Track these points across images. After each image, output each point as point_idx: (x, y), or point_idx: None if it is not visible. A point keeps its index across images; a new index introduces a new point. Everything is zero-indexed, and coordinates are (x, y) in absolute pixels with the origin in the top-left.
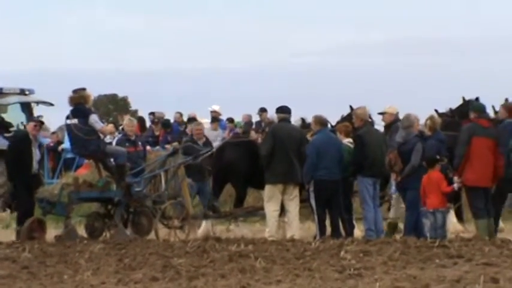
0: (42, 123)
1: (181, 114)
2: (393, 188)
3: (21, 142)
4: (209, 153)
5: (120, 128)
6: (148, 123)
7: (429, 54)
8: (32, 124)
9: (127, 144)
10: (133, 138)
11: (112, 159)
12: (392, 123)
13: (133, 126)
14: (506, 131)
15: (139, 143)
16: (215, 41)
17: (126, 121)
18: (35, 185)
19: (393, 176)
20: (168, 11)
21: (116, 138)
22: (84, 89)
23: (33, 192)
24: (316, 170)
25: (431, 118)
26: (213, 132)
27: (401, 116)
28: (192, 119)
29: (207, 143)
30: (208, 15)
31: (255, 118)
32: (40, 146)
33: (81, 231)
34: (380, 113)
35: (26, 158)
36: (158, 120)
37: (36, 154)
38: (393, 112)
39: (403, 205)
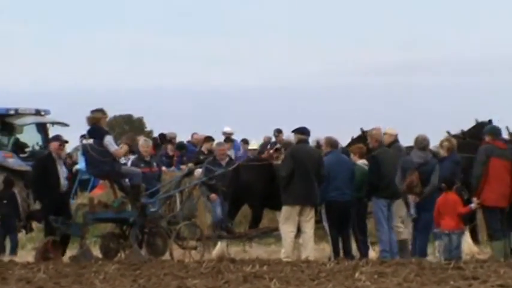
0: (66, 142)
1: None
2: (412, 209)
3: (46, 161)
4: (223, 172)
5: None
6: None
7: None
8: (56, 143)
9: (142, 164)
10: (148, 159)
11: (127, 180)
12: (392, 143)
13: (149, 147)
14: None
15: (155, 164)
16: (233, 58)
17: (142, 142)
18: (65, 203)
19: (412, 198)
20: (179, 29)
21: (131, 159)
22: (101, 110)
23: (65, 210)
24: (327, 191)
25: (448, 139)
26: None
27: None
28: (208, 138)
29: (230, 163)
30: (224, 34)
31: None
32: None
33: (96, 251)
34: None
35: (52, 177)
36: (171, 140)
37: (63, 171)
38: (393, 133)
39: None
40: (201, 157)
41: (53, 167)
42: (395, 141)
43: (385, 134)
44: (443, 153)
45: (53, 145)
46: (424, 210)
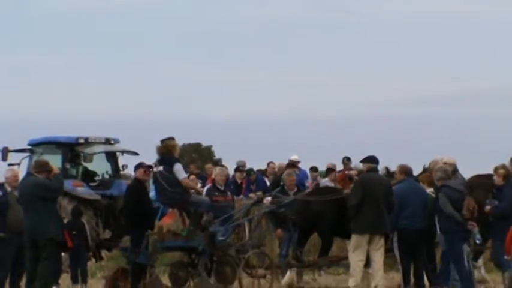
0: (151, 167)
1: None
2: (477, 236)
3: (138, 188)
4: (292, 201)
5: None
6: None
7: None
8: (142, 170)
9: (216, 193)
10: (222, 188)
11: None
12: (453, 173)
13: (225, 176)
14: None
15: (228, 193)
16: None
17: (218, 170)
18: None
19: (472, 225)
20: (243, 60)
21: (206, 188)
22: (172, 139)
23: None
24: (399, 219)
25: (504, 167)
26: None
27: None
28: (292, 165)
29: (299, 192)
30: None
31: (339, 167)
32: None
33: (166, 280)
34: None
35: (145, 203)
36: (239, 167)
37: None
38: (452, 162)
39: None
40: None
41: (145, 194)
42: (455, 170)
43: (444, 163)
44: (499, 180)
45: (139, 172)
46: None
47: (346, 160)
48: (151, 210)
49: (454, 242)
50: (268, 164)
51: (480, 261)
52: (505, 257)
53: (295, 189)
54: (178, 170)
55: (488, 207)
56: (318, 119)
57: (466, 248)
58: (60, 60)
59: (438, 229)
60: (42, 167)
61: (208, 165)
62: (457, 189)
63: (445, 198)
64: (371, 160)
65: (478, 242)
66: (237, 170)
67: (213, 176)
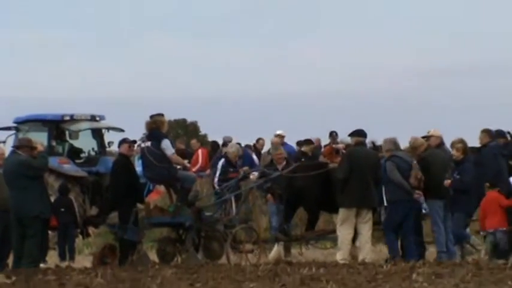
0: (134, 142)
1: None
2: (424, 205)
3: (124, 163)
4: (278, 175)
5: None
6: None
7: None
8: (126, 145)
9: (231, 169)
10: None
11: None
12: (439, 145)
13: (238, 153)
14: None
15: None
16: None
17: (232, 148)
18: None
19: (419, 194)
20: (231, 37)
21: (220, 164)
22: (161, 115)
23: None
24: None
25: (461, 141)
26: None
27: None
28: (308, 141)
29: (287, 167)
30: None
31: (325, 142)
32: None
33: (153, 256)
34: (424, 137)
35: (133, 177)
36: (226, 143)
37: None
38: (438, 135)
39: None
40: (303, 159)
41: (132, 168)
42: (442, 143)
43: (431, 136)
44: (458, 155)
45: (124, 147)
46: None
47: (332, 134)
48: (140, 184)
49: (401, 212)
50: (258, 140)
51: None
52: (481, 232)
53: (284, 163)
54: (166, 146)
55: (448, 181)
56: (305, 93)
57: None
58: (44, 38)
59: (385, 200)
60: (25, 145)
61: (193, 141)
62: (405, 160)
63: (393, 167)
64: (359, 134)
65: (424, 211)
66: (224, 145)
67: (225, 153)
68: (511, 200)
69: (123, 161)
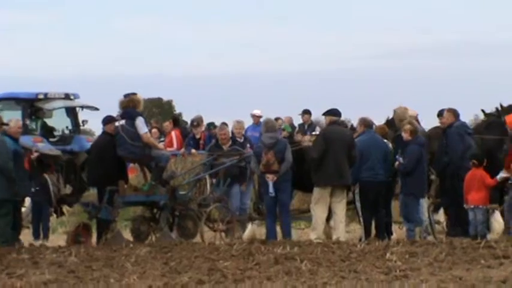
0: (116, 120)
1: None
2: (271, 189)
3: (111, 143)
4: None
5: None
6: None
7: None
8: (112, 125)
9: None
10: (241, 140)
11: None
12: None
13: (242, 129)
14: None
15: (248, 145)
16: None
17: (235, 124)
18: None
19: (270, 177)
20: (214, 16)
21: (209, 146)
22: (135, 94)
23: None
24: (360, 172)
25: (410, 122)
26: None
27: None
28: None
29: (233, 147)
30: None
31: (296, 120)
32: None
33: (127, 235)
34: (439, 115)
35: (120, 159)
36: (198, 123)
37: None
38: (413, 114)
39: None
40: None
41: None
42: (417, 121)
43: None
44: (406, 136)
45: (109, 127)
46: (281, 191)
47: (304, 113)
48: (124, 163)
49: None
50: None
51: (440, 214)
52: (464, 206)
53: (229, 143)
54: (140, 124)
55: (396, 163)
56: (286, 72)
57: (425, 201)
58: (22, 18)
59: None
60: None
61: (166, 123)
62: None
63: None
64: (333, 113)
65: (271, 193)
66: (192, 125)
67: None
68: (495, 179)
69: (108, 139)
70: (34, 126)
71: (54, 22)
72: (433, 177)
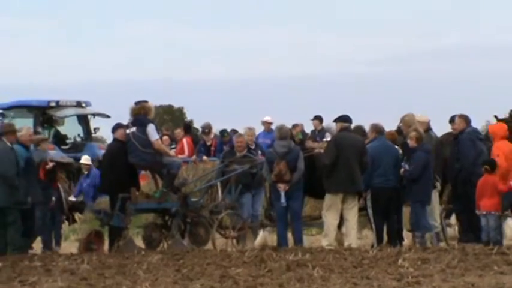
0: (127, 127)
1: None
2: (283, 199)
3: (122, 150)
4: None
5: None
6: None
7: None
8: (122, 130)
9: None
10: (253, 147)
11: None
12: (425, 131)
13: (253, 135)
14: None
15: (259, 152)
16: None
17: (246, 131)
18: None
19: (282, 187)
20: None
21: (224, 152)
22: (146, 101)
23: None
24: (372, 178)
25: (416, 129)
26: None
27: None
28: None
29: (248, 155)
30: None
31: (307, 126)
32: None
33: (139, 242)
34: (451, 121)
35: (132, 166)
36: (209, 130)
37: None
38: (425, 120)
39: None
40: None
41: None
42: (429, 128)
43: (417, 121)
44: (412, 143)
45: (119, 132)
46: (293, 199)
47: (315, 119)
48: (135, 170)
49: None
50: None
51: (453, 219)
52: (476, 212)
53: (245, 151)
54: (151, 131)
55: (402, 170)
56: (289, 76)
57: (437, 206)
58: (30, 25)
59: None
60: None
61: (178, 130)
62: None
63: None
64: (344, 119)
65: (282, 203)
66: (203, 132)
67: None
68: (507, 185)
69: (119, 146)
70: (46, 134)
71: (59, 27)
72: (437, 184)
